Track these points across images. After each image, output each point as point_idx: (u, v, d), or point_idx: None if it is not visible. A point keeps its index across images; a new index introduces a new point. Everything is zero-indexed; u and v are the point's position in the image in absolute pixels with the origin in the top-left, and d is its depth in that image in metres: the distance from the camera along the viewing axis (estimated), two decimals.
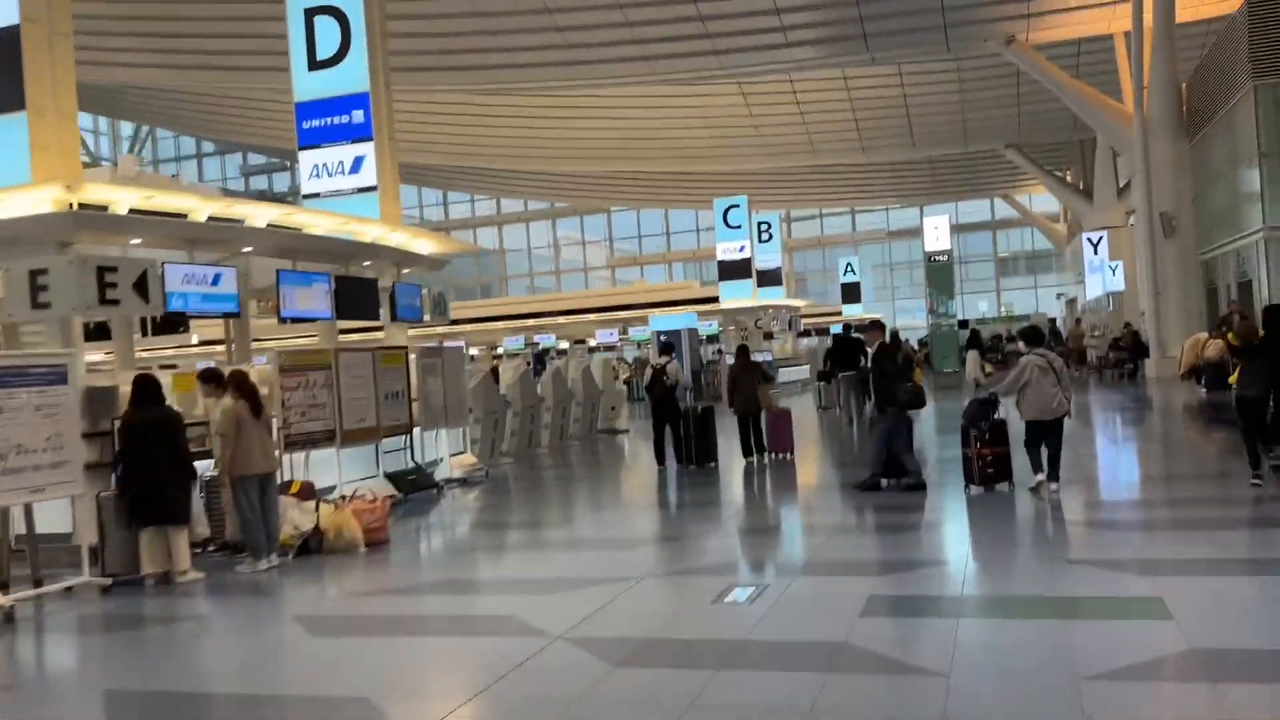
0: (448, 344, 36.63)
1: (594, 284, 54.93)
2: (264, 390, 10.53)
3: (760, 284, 34.83)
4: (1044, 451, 9.75)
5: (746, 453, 13.80)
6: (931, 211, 35.91)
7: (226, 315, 12.04)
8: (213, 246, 11.30)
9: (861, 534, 9.52)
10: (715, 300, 33.93)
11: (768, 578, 7.68)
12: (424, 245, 15.09)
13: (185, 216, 11.25)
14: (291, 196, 62.34)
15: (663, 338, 24.89)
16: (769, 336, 40.89)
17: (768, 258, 36.64)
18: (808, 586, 7.19)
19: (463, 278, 58.03)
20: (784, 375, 33.16)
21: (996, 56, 29.99)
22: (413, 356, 13.55)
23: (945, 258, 29.28)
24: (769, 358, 32.26)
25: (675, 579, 7.71)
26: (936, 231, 29.49)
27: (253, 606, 7.96)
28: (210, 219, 11.30)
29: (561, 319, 35.34)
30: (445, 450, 14.21)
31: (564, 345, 37.75)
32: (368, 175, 15.22)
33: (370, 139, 15.14)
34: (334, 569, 8.92)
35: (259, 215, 12.06)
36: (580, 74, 30.73)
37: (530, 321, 35.50)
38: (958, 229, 50.59)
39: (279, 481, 9.69)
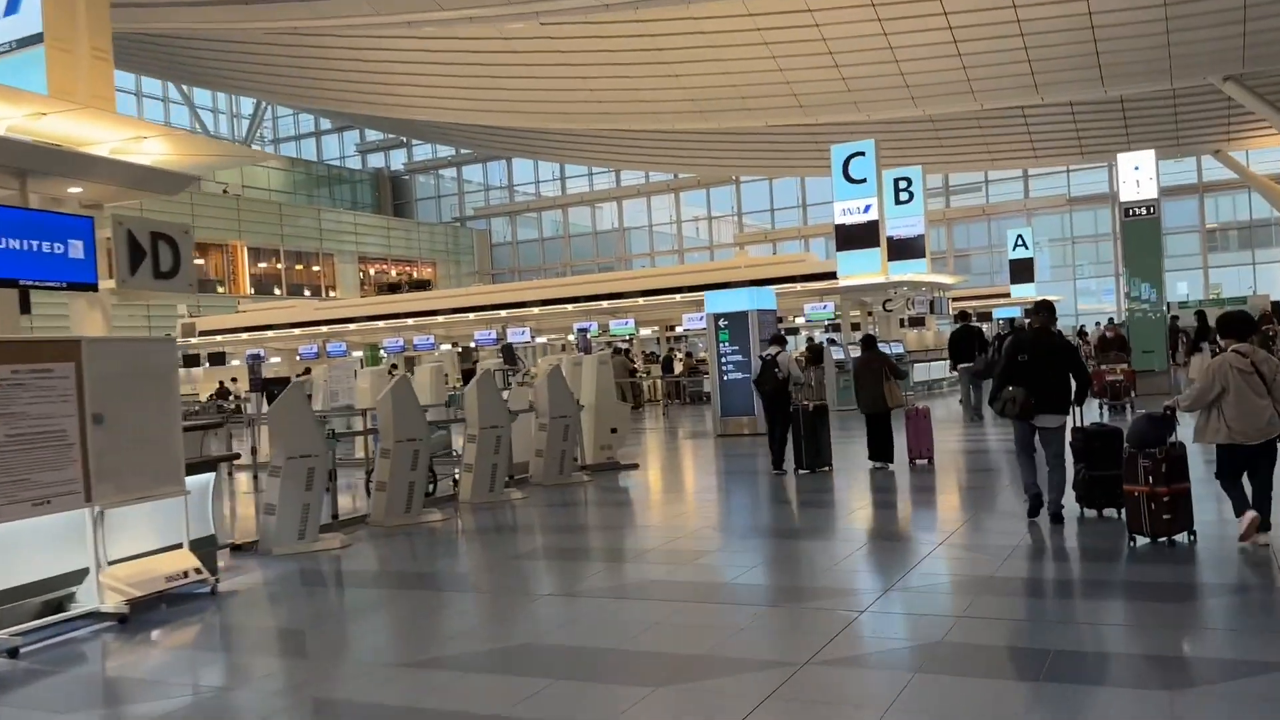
0: (511, 332, 29.44)
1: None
2: None
3: (893, 256, 25.84)
4: None
5: (873, 456, 11.77)
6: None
7: None
8: None
9: None
10: (834, 276, 25.22)
11: None
12: (100, 137, 7.39)
13: None
14: (408, 175, 56.70)
15: (722, 323, 16.68)
16: (916, 323, 31.83)
17: (906, 222, 27.55)
18: None
19: (581, 258, 50.88)
20: (920, 372, 24.34)
21: None
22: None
23: (1150, 211, 19.71)
24: (900, 349, 23.57)
25: None
26: (1137, 174, 19.94)
27: None
28: None
29: (641, 300, 27.45)
30: (102, 550, 6.61)
31: (646, 332, 29.91)
32: (30, 15, 7.72)
33: None
34: None
35: None
36: None
37: (605, 304, 27.77)
38: None
39: None
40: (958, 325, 18.77)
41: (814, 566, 7.12)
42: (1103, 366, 16.02)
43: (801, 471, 11.51)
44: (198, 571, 7.14)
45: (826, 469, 11.62)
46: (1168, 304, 21.76)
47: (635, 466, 13.13)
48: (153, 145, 7.61)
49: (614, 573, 7.20)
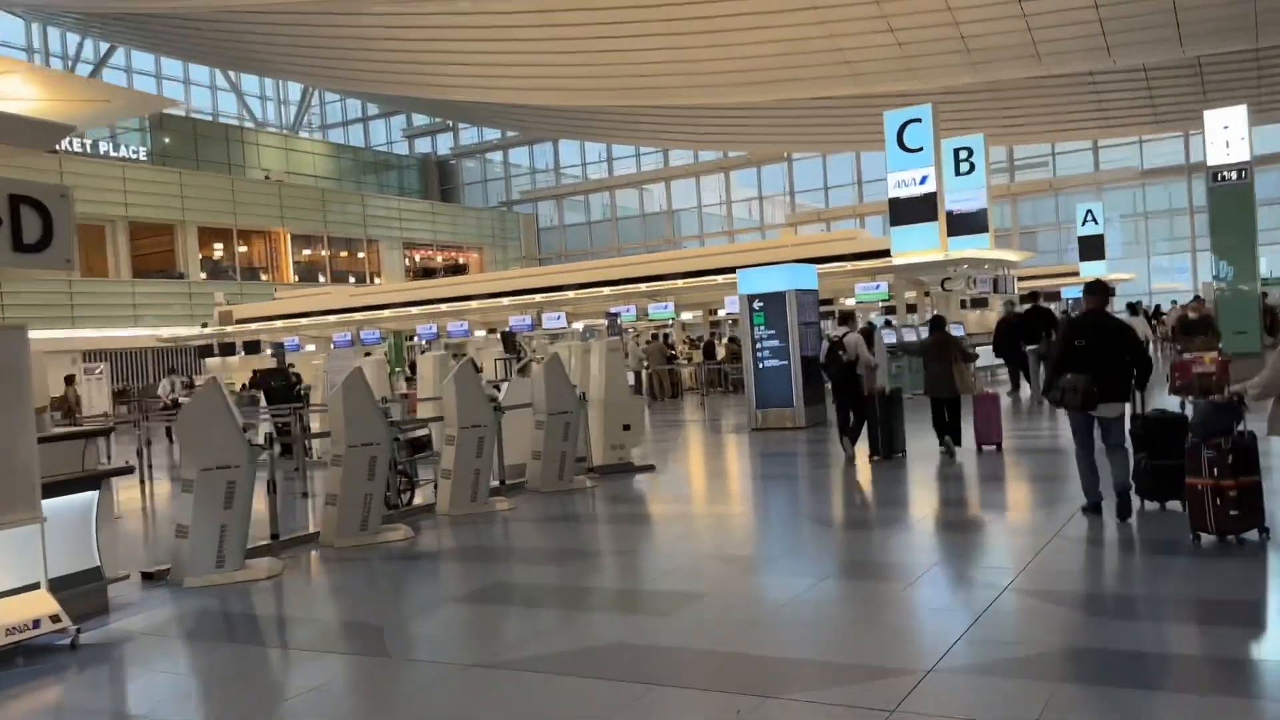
0: (547, 317, 27.88)
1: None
2: None
3: (953, 231, 23.75)
4: None
5: (940, 439, 10.99)
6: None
7: None
8: None
9: None
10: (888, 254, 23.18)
11: None
12: None
13: None
14: (454, 160, 55.48)
15: (757, 305, 14.89)
16: (978, 304, 29.60)
17: (967, 195, 25.40)
18: None
19: (629, 240, 49.14)
20: (985, 356, 22.20)
21: None
22: None
23: (1242, 175, 17.44)
24: (960, 332, 21.51)
25: None
26: (1226, 133, 17.68)
27: None
28: None
29: (682, 283, 25.65)
30: None
31: (688, 316, 28.11)
32: None
33: None
34: None
35: None
36: None
37: (644, 287, 26.01)
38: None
39: None
40: (1026, 306, 17.60)
41: (842, 622, 5.38)
42: (1186, 355, 13.39)
43: (875, 458, 10.84)
44: (54, 619, 5.62)
45: (900, 455, 10.96)
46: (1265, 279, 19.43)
47: (652, 468, 11.43)
48: (14, 86, 6.09)
49: (576, 627, 5.51)
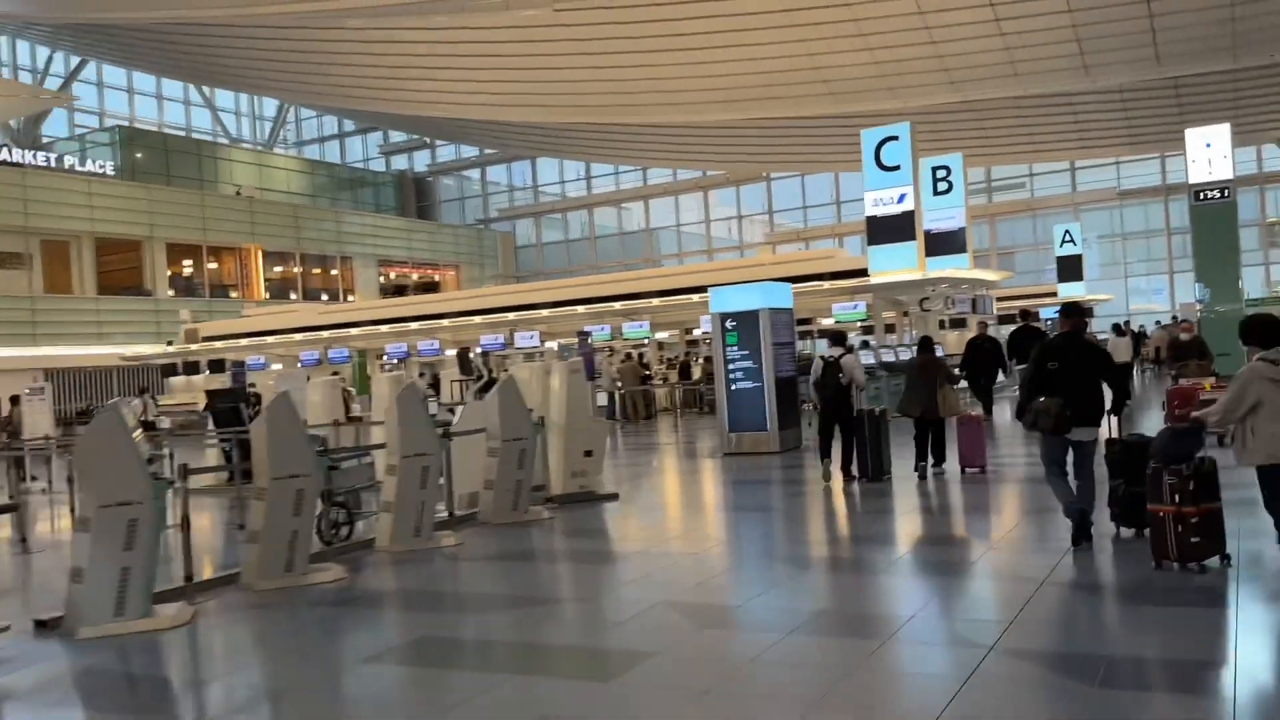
0: (519, 336, 27.14)
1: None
2: None
3: (932, 251, 23.18)
4: None
5: (920, 463, 10.83)
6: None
7: None
8: None
9: None
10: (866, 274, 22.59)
11: None
12: None
13: None
14: (432, 177, 54.79)
15: (729, 324, 14.22)
16: (957, 324, 29.10)
17: (945, 214, 24.86)
18: None
19: (607, 259, 48.49)
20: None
21: None
22: None
23: (1224, 194, 16.93)
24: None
25: None
26: (1209, 152, 17.21)
27: None
28: None
29: (657, 301, 24.98)
30: None
31: (663, 335, 27.44)
32: None
33: None
34: None
35: None
36: None
37: (618, 306, 25.34)
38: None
39: None
40: (1018, 324, 17.50)
41: (807, 690, 4.64)
42: (1182, 380, 12.52)
43: (863, 480, 10.74)
44: None
45: (887, 477, 10.80)
46: (1249, 300, 18.94)
47: (614, 497, 10.71)
48: None
49: (498, 694, 4.76)
